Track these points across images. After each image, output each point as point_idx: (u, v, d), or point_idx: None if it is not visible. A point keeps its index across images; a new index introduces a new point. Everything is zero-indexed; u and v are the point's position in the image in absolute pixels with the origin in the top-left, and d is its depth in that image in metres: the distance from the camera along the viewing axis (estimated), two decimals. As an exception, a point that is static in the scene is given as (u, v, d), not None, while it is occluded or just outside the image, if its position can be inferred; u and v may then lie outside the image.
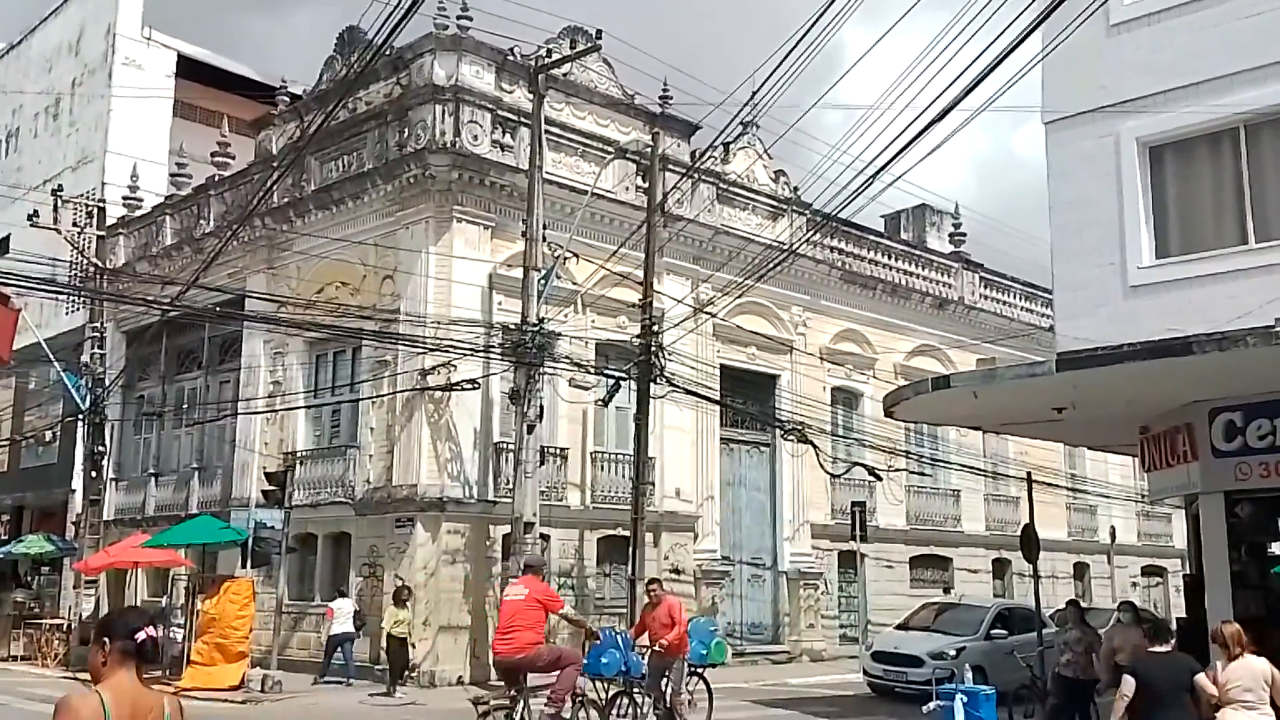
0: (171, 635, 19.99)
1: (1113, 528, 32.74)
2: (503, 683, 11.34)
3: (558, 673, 10.94)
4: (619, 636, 13.48)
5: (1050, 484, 26.80)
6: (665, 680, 13.18)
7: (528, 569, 11.92)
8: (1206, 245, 12.41)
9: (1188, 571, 17.51)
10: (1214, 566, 11.92)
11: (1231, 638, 8.00)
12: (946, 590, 27.69)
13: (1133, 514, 34.02)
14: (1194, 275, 12.11)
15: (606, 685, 13.08)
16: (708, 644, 14.67)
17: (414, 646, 18.49)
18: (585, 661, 12.64)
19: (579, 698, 12.02)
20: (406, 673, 18.29)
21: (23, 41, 38.07)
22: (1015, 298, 33.20)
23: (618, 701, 12.89)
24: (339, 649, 19.06)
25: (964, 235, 32.78)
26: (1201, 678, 7.89)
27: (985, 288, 32.22)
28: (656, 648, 12.88)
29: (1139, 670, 8.06)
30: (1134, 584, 34.22)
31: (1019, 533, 19.84)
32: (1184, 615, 15.36)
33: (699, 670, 14.00)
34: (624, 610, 20.47)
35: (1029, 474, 18.66)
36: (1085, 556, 32.99)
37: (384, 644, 18.33)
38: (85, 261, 26.04)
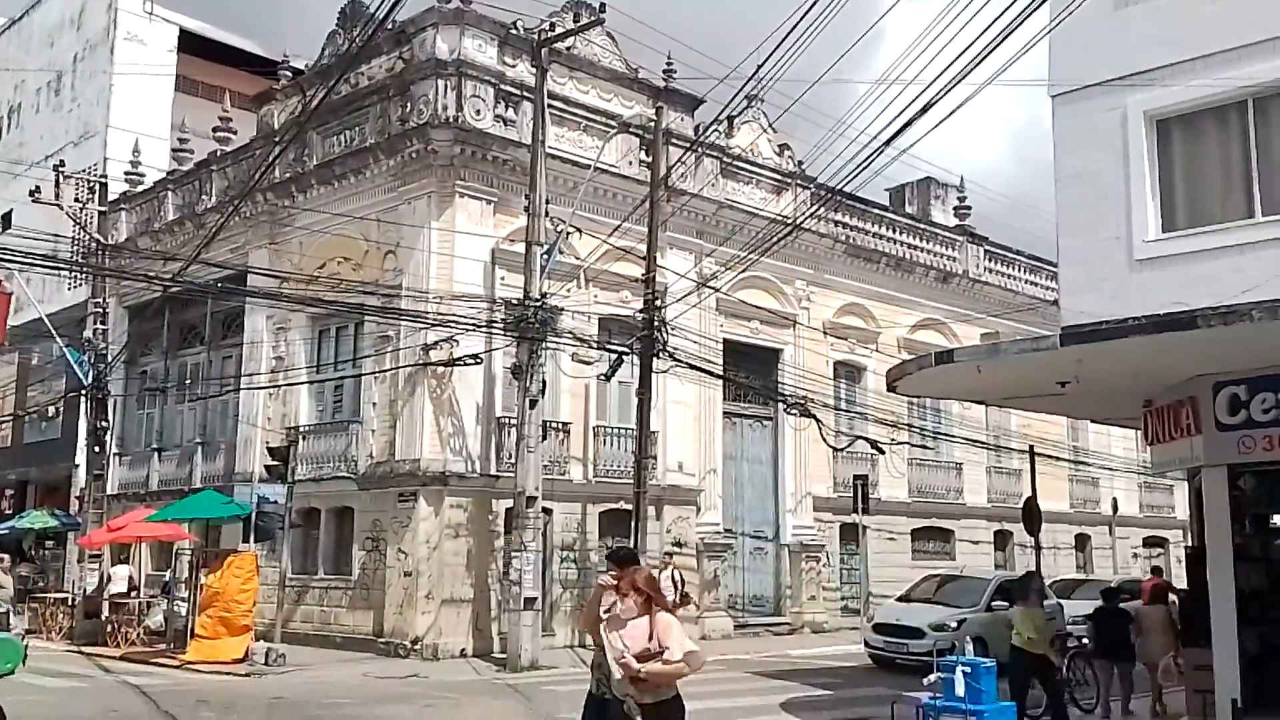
0: (176, 609, 20.13)
1: (1115, 499, 32.78)
2: None
3: None
4: None
5: (1052, 456, 26.85)
6: None
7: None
8: (1212, 219, 12.34)
9: (1190, 544, 17.55)
10: (1216, 539, 11.92)
11: None
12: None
13: (1135, 486, 34.10)
14: (1199, 249, 12.05)
15: None
16: None
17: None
18: None
19: None
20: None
21: (24, 16, 37.92)
22: (1020, 271, 33.12)
23: None
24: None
25: (969, 208, 32.66)
26: None
27: (990, 261, 32.13)
28: None
29: None
30: (1135, 555, 34.35)
31: (1021, 505, 19.93)
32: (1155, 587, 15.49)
33: None
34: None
35: (1031, 447, 18.71)
36: (1087, 528, 33.09)
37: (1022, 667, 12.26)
38: (87, 237, 25.98)
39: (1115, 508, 32.70)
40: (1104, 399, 14.37)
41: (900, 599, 20.67)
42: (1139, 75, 12.34)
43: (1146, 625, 13.58)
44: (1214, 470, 11.96)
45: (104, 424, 24.46)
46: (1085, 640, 15.24)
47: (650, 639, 6.31)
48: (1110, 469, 32.08)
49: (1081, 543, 33.16)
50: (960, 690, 10.33)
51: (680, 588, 20.85)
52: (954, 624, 18.06)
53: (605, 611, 6.65)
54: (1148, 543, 35.12)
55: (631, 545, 20.01)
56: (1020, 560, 29.15)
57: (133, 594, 22.69)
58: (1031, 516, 20.84)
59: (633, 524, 20.25)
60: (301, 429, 22.10)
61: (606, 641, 6.53)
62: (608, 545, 21.83)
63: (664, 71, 24.21)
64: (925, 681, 11.02)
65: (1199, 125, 12.62)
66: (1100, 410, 17.45)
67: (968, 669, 10.49)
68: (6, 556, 21.86)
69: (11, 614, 20.38)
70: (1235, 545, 11.78)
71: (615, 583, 6.68)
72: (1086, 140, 13.00)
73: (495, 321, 19.65)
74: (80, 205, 25.42)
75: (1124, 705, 13.77)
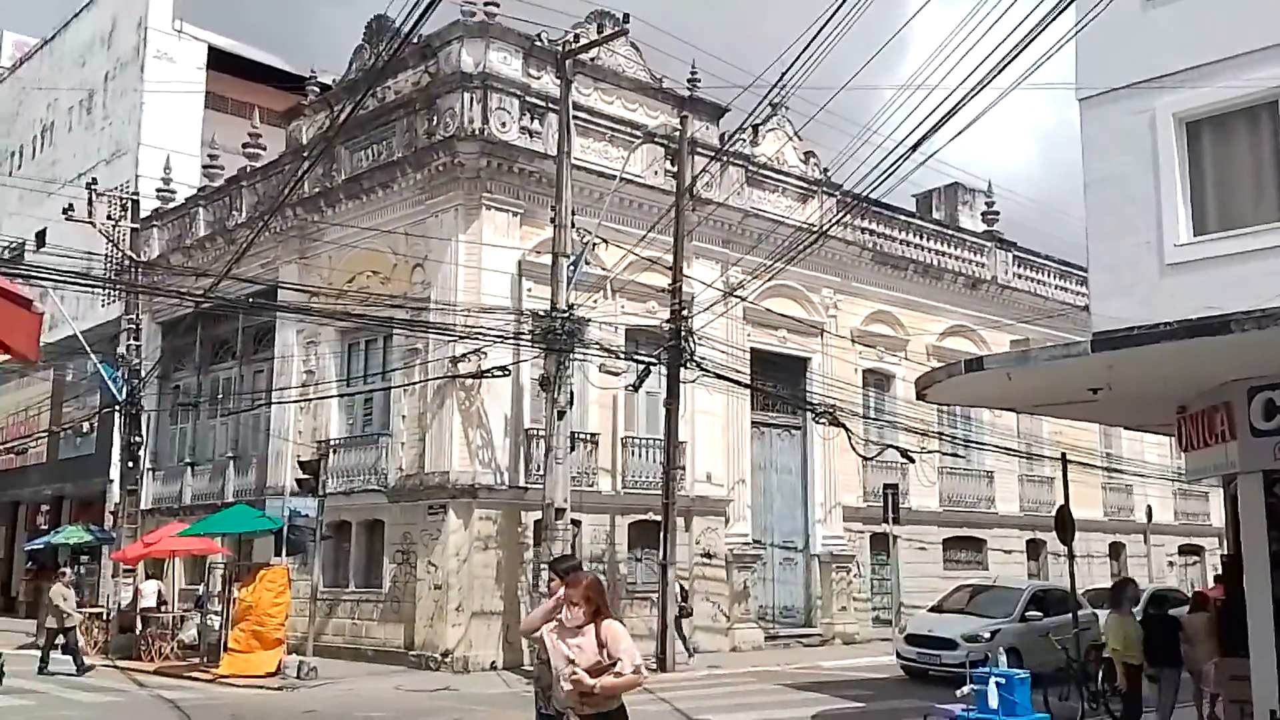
0: (209, 622, 20.26)
1: (1149, 507, 32.40)
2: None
3: None
4: None
5: (1085, 464, 26.56)
6: None
7: None
8: (1244, 221, 12.18)
9: (1225, 551, 17.33)
10: (1252, 547, 11.73)
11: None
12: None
13: (1169, 493, 33.71)
14: (1231, 252, 11.90)
15: None
16: None
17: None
18: None
19: None
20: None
21: (56, 36, 38.48)
22: (1050, 277, 32.86)
23: None
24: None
25: (997, 214, 32.45)
26: None
27: (1019, 267, 31.91)
28: None
29: None
30: (1171, 563, 33.92)
31: (1054, 514, 19.64)
32: (1222, 594, 15.24)
33: None
34: (654, 594, 20.51)
35: (1064, 454, 18.45)
36: (1121, 536, 32.73)
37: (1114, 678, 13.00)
38: (120, 254, 26.27)
39: (1150, 515, 32.31)
40: (1137, 405, 14.19)
41: (933, 609, 20.48)
42: (1167, 77, 12.22)
43: (1190, 633, 13.52)
44: (1249, 477, 11.78)
45: (138, 439, 24.68)
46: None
47: (600, 650, 6.04)
48: (1144, 476, 31.72)
49: (1116, 551, 32.79)
50: (994, 702, 10.22)
51: (679, 600, 20.69)
52: (987, 635, 17.89)
53: (550, 620, 6.32)
54: (1183, 551, 34.70)
55: (661, 557, 20.05)
56: (1054, 570, 28.85)
57: (162, 608, 22.89)
58: (1065, 525, 20.43)
59: (661, 535, 20.21)
60: (332, 442, 22.21)
61: (551, 650, 6.20)
62: (637, 557, 21.87)
63: (688, 80, 24.22)
64: (958, 693, 10.91)
65: (1229, 126, 12.48)
66: (1133, 417, 17.23)
67: (1001, 680, 10.38)
68: (68, 571, 22.18)
69: (78, 629, 20.63)
70: (1272, 553, 11.57)
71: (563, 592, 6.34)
72: (1115, 144, 12.89)
73: (523, 333, 19.71)
74: (113, 223, 25.72)
75: (1167, 715, 13.59)
